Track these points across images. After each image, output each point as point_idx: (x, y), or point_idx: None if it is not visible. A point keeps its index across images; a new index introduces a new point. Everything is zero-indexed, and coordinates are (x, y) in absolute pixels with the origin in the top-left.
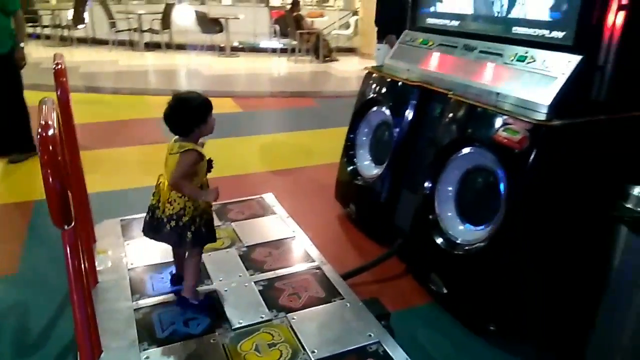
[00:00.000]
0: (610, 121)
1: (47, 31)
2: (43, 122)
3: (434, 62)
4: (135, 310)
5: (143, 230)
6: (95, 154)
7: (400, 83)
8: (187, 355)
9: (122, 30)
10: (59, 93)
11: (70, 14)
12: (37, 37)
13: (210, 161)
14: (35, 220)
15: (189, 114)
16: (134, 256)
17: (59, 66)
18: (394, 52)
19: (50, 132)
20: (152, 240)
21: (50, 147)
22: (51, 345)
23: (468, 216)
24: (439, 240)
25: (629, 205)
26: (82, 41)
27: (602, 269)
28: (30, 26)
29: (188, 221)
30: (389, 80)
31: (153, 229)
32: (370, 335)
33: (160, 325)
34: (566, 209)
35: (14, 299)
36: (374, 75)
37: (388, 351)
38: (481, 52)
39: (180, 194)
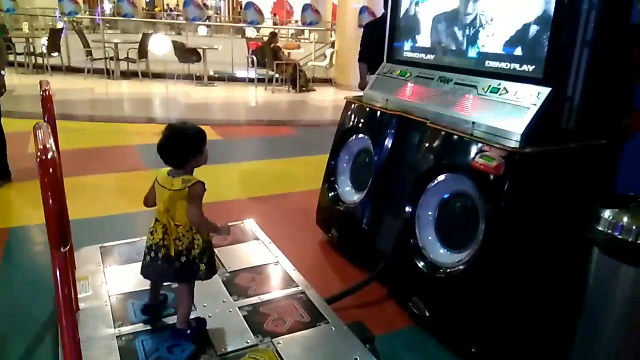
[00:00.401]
0: (579, 149)
1: (20, 59)
2: (41, 146)
3: (412, 92)
4: (117, 337)
5: (144, 273)
6: (72, 181)
7: (379, 112)
8: None
9: (98, 59)
10: (46, 119)
11: (44, 41)
12: (11, 64)
13: None
14: (10, 248)
15: (185, 145)
16: (115, 283)
17: (46, 93)
18: (373, 83)
19: (50, 155)
20: (135, 267)
21: (50, 170)
22: None
23: (448, 240)
24: (421, 264)
25: (600, 228)
26: (56, 69)
27: (579, 288)
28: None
29: (199, 254)
30: (368, 109)
31: (160, 270)
32: (356, 359)
33: (143, 353)
34: (542, 231)
35: None
36: (354, 104)
37: None
38: (456, 83)
39: (187, 229)
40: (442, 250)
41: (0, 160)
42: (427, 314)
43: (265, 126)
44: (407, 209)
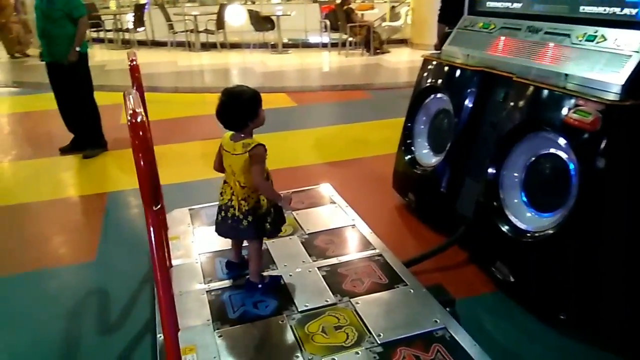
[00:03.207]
0: None
1: (109, 35)
2: (132, 111)
3: (496, 45)
4: (207, 292)
5: (217, 231)
6: (161, 149)
7: (460, 68)
8: (257, 335)
9: (179, 32)
10: (135, 88)
11: (130, 17)
12: (101, 41)
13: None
14: (109, 211)
15: (241, 109)
16: (203, 242)
17: (134, 62)
18: (453, 37)
19: (139, 118)
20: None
21: (140, 133)
22: (130, 325)
23: (535, 202)
24: (505, 228)
25: None
26: (142, 43)
27: None
28: (94, 31)
29: (265, 212)
30: (448, 66)
31: (229, 228)
32: (436, 321)
33: (231, 307)
34: None
35: (93, 284)
36: (432, 62)
37: (455, 337)
38: (547, 33)
39: (253, 190)
40: (528, 214)
41: (96, 131)
42: (512, 280)
43: (339, 91)
44: (491, 170)
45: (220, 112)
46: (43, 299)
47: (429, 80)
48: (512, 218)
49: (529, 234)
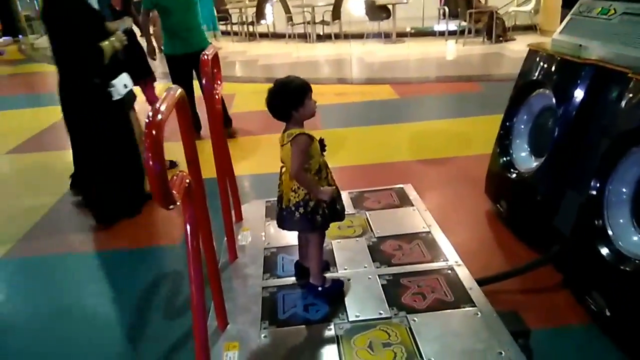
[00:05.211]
0: None
1: (235, 28)
2: (156, 107)
3: (615, 35)
4: (263, 288)
5: (277, 222)
6: (259, 139)
7: (567, 61)
8: (301, 340)
9: (297, 24)
10: (203, 82)
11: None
12: (227, 33)
13: (322, 140)
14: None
15: (284, 98)
16: (272, 236)
17: (204, 57)
18: (565, 25)
19: (159, 117)
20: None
21: (154, 132)
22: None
23: None
24: (605, 252)
25: None
26: (264, 36)
27: None
28: (223, 24)
29: (315, 205)
30: (556, 58)
31: (283, 220)
32: (500, 353)
33: (282, 307)
34: None
35: (171, 267)
36: (538, 53)
37: None
38: None
39: None
40: (635, 237)
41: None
42: (608, 314)
43: (447, 83)
44: (595, 182)
45: (268, 102)
46: (127, 275)
47: (533, 74)
48: (615, 241)
49: (633, 262)
